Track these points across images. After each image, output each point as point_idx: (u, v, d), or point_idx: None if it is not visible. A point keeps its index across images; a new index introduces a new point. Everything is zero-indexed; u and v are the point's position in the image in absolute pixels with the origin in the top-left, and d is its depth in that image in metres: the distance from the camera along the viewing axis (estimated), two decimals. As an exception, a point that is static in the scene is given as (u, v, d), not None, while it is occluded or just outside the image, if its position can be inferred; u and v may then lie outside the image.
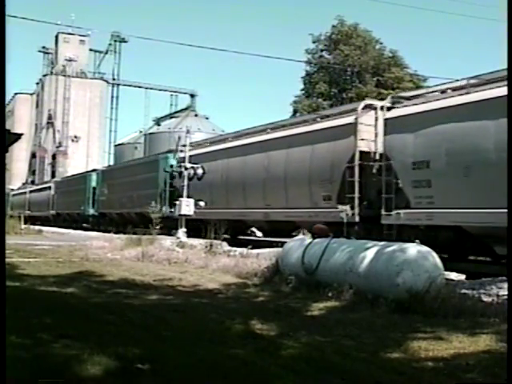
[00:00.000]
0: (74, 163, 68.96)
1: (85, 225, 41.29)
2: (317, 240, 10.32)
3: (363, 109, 16.50)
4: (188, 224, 21.90)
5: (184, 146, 24.30)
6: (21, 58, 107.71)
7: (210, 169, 23.36)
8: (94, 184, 40.24)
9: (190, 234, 21.41)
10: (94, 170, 42.95)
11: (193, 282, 11.00)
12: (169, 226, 22.78)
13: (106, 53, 75.28)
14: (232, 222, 21.28)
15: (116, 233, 25.40)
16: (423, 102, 14.72)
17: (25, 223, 42.98)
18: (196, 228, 21.95)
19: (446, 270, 9.10)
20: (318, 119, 19.75)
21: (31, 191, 58.03)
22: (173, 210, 23.90)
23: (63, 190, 47.59)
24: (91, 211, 39.76)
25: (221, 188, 23.18)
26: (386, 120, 15.37)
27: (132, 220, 30.42)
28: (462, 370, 5.02)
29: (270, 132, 21.39)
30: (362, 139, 16.05)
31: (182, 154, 25.24)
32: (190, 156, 23.10)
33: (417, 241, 9.04)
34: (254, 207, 20.72)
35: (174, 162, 27.30)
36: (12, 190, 62.90)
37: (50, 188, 50.66)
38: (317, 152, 17.80)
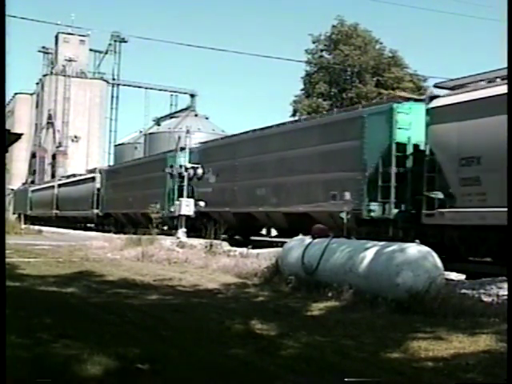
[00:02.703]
0: (74, 163, 68.84)
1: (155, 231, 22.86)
2: (317, 240, 10.31)
3: None
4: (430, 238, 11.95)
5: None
6: (21, 58, 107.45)
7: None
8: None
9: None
10: (182, 149, 26.26)
11: (193, 282, 11.00)
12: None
13: (106, 53, 75.21)
14: None
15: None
16: None
17: (53, 226, 38.96)
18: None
19: (446, 270, 9.10)
20: None
21: (61, 185, 45.95)
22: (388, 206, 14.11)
23: (118, 181, 34.07)
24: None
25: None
26: None
27: (270, 222, 18.53)
28: (462, 369, 5.02)
29: None
30: None
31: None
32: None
33: (417, 241, 9.03)
34: None
35: (408, 117, 14.43)
36: (12, 190, 62.31)
37: (93, 179, 37.64)
38: None
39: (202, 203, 22.05)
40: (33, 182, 66.42)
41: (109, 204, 34.57)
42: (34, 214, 50.27)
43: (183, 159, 25.08)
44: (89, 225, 39.55)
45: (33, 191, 54.41)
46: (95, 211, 36.13)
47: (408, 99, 15.27)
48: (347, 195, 15.14)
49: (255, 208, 18.92)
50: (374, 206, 14.46)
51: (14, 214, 54.60)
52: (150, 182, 28.41)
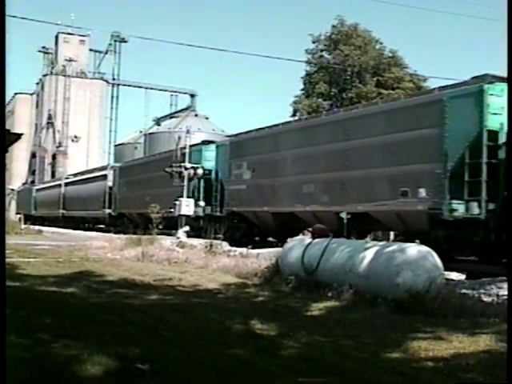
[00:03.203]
0: (74, 163, 68.85)
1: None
2: (317, 240, 10.32)
3: None
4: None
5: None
6: (21, 58, 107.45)
7: None
8: (209, 164, 22.96)
9: None
10: (210, 142, 24.35)
11: (193, 282, 11.00)
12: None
13: (106, 53, 75.23)
14: None
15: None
16: None
17: (60, 227, 37.53)
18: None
19: (446, 269, 9.10)
20: None
21: (68, 183, 42.74)
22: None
23: (133, 178, 31.08)
24: (200, 211, 22.96)
25: None
26: None
27: (318, 223, 14.30)
28: (461, 369, 5.02)
29: None
30: None
31: None
32: None
33: (417, 241, 9.04)
34: None
35: (500, 100, 12.12)
36: (12, 190, 62.03)
37: (104, 177, 34.92)
38: None
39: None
40: (33, 182, 66.38)
41: (122, 203, 32.07)
42: (38, 215, 48.87)
43: (209, 153, 23.12)
44: (99, 226, 37.42)
45: (37, 190, 52.28)
46: (107, 211, 33.65)
47: (500, 79, 12.27)
48: (422, 192, 13.06)
49: (301, 207, 16.53)
50: (458, 204, 12.32)
51: (17, 214, 53.01)
52: (170, 180, 24.11)
